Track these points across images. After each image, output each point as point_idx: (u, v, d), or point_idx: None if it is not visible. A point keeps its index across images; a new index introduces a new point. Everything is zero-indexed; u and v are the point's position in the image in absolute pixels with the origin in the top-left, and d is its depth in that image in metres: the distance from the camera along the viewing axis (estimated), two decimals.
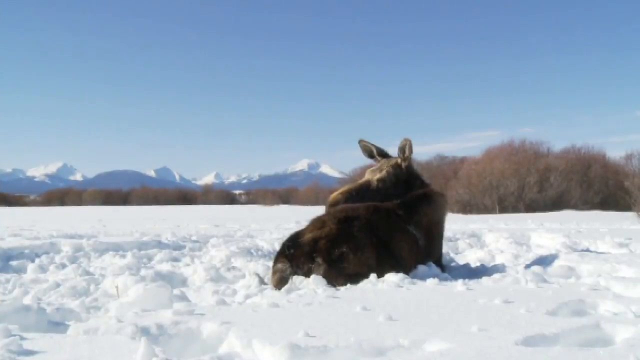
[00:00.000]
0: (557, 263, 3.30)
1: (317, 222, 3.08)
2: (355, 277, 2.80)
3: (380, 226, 3.10)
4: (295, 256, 2.94)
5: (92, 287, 3.07)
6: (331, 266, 2.84)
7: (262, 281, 3.08)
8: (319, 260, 2.86)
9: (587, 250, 4.55)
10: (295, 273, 2.88)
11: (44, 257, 4.44)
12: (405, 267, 3.04)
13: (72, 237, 6.60)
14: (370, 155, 3.80)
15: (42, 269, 3.94)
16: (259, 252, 4.67)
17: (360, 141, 3.80)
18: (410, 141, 3.51)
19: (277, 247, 3.74)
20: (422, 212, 3.38)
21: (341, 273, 2.84)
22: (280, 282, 2.89)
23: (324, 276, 2.79)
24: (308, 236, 2.98)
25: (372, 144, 3.78)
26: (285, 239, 3.17)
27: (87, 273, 3.68)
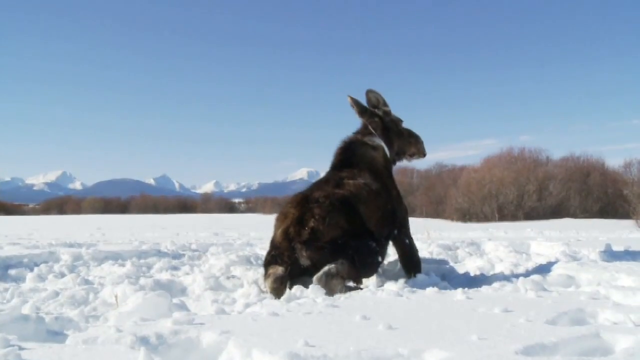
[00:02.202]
0: (556, 272, 3.30)
1: (281, 216, 3.18)
2: (334, 243, 2.91)
3: (334, 191, 3.19)
4: (279, 255, 3.01)
5: (91, 296, 3.06)
6: (308, 245, 2.92)
7: (261, 290, 3.08)
8: (298, 245, 2.94)
9: (587, 258, 4.54)
10: (287, 272, 2.93)
11: (42, 266, 4.42)
12: (372, 215, 3.15)
13: (71, 245, 6.59)
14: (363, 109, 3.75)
15: (41, 278, 3.93)
16: (259, 261, 4.66)
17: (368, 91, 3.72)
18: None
19: None
20: (355, 161, 3.48)
21: (321, 244, 2.91)
22: (275, 282, 2.91)
23: (309, 258, 2.90)
24: (279, 232, 3.08)
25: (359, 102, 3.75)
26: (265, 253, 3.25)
27: (86, 282, 3.67)
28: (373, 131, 3.62)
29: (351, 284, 3.06)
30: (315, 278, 2.83)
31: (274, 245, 3.12)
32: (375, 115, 3.67)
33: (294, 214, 3.05)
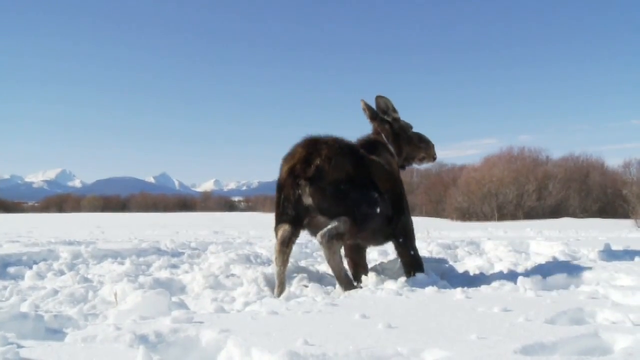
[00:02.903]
0: (555, 271, 3.30)
1: (288, 156, 3.15)
2: (337, 186, 2.91)
3: (346, 142, 3.21)
4: (285, 196, 3.01)
5: (90, 294, 3.06)
6: (312, 182, 2.92)
7: (261, 289, 3.08)
8: (302, 182, 2.94)
9: (586, 258, 4.55)
10: (293, 229, 2.99)
11: (41, 264, 4.43)
12: (379, 182, 3.11)
13: (70, 243, 6.59)
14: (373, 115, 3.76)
15: (40, 275, 3.93)
16: (258, 260, 4.67)
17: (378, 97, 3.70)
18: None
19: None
20: (375, 153, 3.46)
21: (324, 184, 2.92)
22: (282, 244, 2.99)
23: (312, 195, 2.91)
24: (284, 169, 3.06)
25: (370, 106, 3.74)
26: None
27: (86, 280, 3.68)
28: (385, 138, 3.66)
29: (349, 274, 3.09)
30: (319, 235, 2.88)
31: (279, 185, 3.09)
32: (385, 121, 3.70)
33: (302, 153, 3.05)
